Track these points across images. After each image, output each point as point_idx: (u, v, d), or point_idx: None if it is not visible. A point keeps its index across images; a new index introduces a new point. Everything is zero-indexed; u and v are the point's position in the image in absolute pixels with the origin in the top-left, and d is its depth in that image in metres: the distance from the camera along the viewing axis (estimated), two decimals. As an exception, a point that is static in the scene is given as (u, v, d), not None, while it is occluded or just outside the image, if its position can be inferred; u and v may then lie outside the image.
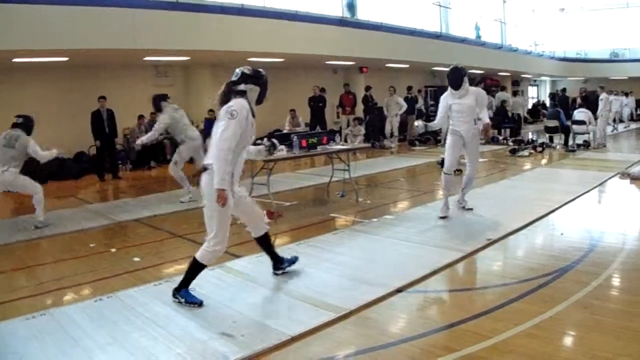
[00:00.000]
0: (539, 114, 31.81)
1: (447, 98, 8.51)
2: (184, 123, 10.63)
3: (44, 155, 8.88)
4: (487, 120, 8.70)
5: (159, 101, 10.59)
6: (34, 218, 8.83)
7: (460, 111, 8.37)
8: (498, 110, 21.53)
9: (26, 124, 8.93)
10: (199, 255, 5.28)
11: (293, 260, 6.20)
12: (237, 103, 5.17)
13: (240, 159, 5.35)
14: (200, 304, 5.22)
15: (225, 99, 5.27)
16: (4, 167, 8.56)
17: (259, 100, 5.49)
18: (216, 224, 5.21)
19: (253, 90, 5.37)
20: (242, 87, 5.32)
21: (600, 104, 19.07)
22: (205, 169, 5.18)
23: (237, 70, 5.43)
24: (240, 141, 5.12)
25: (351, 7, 20.74)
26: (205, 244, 5.29)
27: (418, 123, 8.60)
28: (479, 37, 29.57)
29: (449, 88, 8.45)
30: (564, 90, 27.56)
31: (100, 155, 14.85)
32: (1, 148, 8.65)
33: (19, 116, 9.01)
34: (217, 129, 5.10)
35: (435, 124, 8.78)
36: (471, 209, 9.01)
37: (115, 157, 15.28)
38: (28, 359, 4.29)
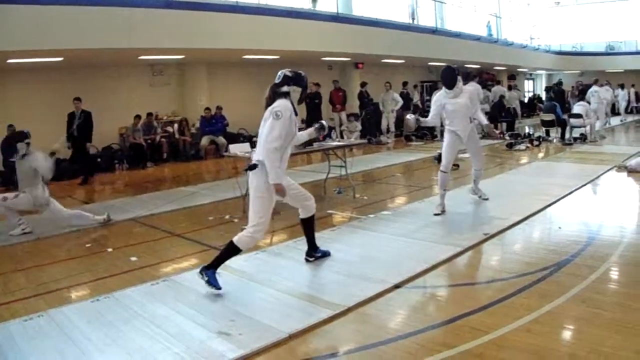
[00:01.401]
0: (535, 107, 31.83)
1: (440, 98, 8.54)
2: None
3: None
4: (486, 122, 8.76)
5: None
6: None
7: (455, 111, 8.42)
8: (495, 104, 21.50)
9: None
10: (236, 238, 5.56)
11: (326, 253, 6.48)
12: (281, 104, 5.54)
13: (286, 154, 5.69)
14: (219, 289, 5.43)
15: (270, 101, 5.66)
16: None
17: (301, 100, 5.90)
18: (261, 213, 5.55)
19: (295, 91, 5.79)
20: (285, 88, 5.71)
21: (595, 97, 19.41)
22: (255, 165, 5.54)
23: (280, 72, 5.80)
24: (285, 139, 5.51)
25: None
26: (246, 229, 5.58)
27: (409, 117, 8.57)
28: (490, 34, 29.67)
29: (443, 87, 8.50)
30: (559, 83, 27.56)
31: (72, 159, 14.63)
32: None
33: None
34: (264, 130, 5.50)
35: (427, 121, 8.76)
36: (487, 199, 9.20)
37: (87, 162, 14.53)
38: (25, 360, 4.28)
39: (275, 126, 5.38)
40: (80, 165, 14.37)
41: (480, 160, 9.13)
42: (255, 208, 5.57)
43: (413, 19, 25.25)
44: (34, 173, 8.45)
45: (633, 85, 31.38)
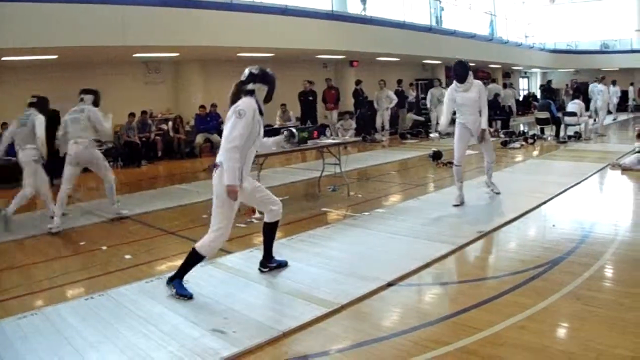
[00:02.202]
0: (530, 105, 31.87)
1: (452, 92, 8.77)
2: None
3: (41, 137, 8.79)
4: (484, 126, 8.85)
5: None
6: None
7: (465, 104, 8.68)
8: (491, 102, 21.52)
9: (41, 104, 9.08)
10: (198, 245, 5.38)
11: (283, 264, 6.19)
12: (244, 102, 5.32)
13: (249, 155, 5.47)
14: (190, 297, 5.29)
15: (234, 98, 5.43)
16: (21, 147, 8.80)
17: (268, 99, 5.62)
18: (222, 217, 5.34)
19: (261, 89, 5.51)
20: (250, 86, 5.45)
21: (601, 95, 19.94)
22: (216, 165, 5.34)
23: (246, 70, 5.58)
24: (248, 139, 5.27)
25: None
26: (207, 235, 5.39)
27: (434, 136, 8.91)
28: (491, 32, 29.77)
29: (454, 82, 8.74)
30: (549, 82, 27.72)
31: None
32: (19, 129, 8.85)
33: (33, 96, 9.15)
34: (226, 128, 5.27)
35: (443, 124, 9.11)
36: (499, 193, 9.37)
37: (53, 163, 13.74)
38: (19, 358, 4.27)
39: (237, 125, 5.16)
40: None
41: (491, 152, 9.32)
42: (216, 211, 5.37)
43: (437, 22, 25.66)
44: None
45: (632, 84, 31.48)
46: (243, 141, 5.19)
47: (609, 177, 11.18)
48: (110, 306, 5.23)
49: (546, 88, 24.45)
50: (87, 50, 13.18)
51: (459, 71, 8.67)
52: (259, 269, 6.06)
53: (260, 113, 5.45)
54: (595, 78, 23.29)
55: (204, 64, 18.49)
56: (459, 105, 8.72)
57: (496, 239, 7.20)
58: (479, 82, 8.85)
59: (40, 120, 8.77)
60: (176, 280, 5.39)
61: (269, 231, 6.06)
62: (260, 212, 7.79)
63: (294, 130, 6.51)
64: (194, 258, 5.40)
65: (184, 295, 5.29)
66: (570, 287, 5.19)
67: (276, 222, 6.01)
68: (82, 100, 9.22)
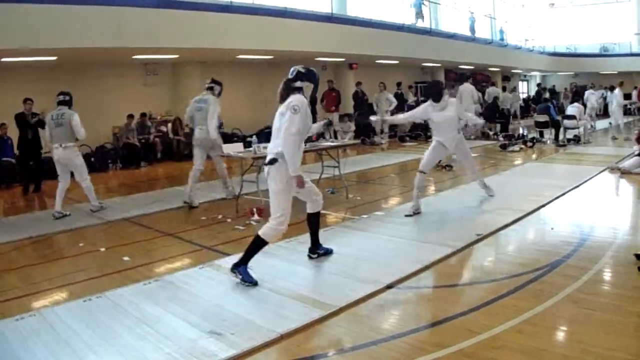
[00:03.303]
0: (529, 108, 31.89)
1: (427, 108, 8.71)
2: None
3: (83, 133, 9.40)
4: (481, 122, 9.01)
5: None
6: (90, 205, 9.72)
7: (440, 123, 8.63)
8: (489, 106, 21.55)
9: (69, 101, 9.64)
10: (262, 232, 5.71)
11: (329, 251, 6.57)
12: (296, 99, 5.65)
13: (302, 148, 5.81)
14: (255, 283, 5.61)
15: (284, 95, 5.77)
16: (60, 145, 9.23)
17: (312, 96, 6.02)
18: (282, 205, 5.72)
19: (308, 87, 5.91)
20: (298, 84, 5.83)
21: (615, 100, 20.18)
22: (275, 159, 5.66)
23: (292, 68, 5.93)
24: (302, 133, 5.65)
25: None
26: (269, 222, 5.73)
27: (373, 118, 8.95)
28: (502, 39, 29.93)
29: (430, 100, 8.67)
30: (539, 84, 27.81)
31: (24, 164, 13.03)
32: (54, 129, 9.27)
33: (61, 93, 9.60)
34: (283, 123, 5.59)
35: (398, 119, 9.01)
36: (493, 196, 9.39)
37: (41, 167, 13.00)
38: (17, 359, 4.26)
39: (294, 120, 5.49)
40: (34, 172, 12.91)
41: (473, 165, 9.34)
42: (276, 201, 5.71)
43: (474, 32, 26.01)
44: None
45: (636, 87, 31.50)
46: (300, 134, 5.58)
47: (608, 180, 11.18)
48: (108, 308, 5.22)
49: (537, 91, 24.62)
50: (86, 52, 13.18)
51: (434, 90, 8.72)
52: (308, 255, 6.48)
53: (309, 107, 5.79)
54: (592, 84, 23.34)
55: (203, 66, 18.47)
56: (436, 124, 8.68)
57: (495, 242, 7.19)
58: (454, 100, 8.83)
59: (76, 118, 9.32)
60: (242, 267, 5.66)
61: (314, 220, 6.46)
62: (260, 216, 7.90)
63: (331, 119, 6.98)
64: (259, 244, 5.71)
65: (249, 281, 5.58)
66: (569, 290, 5.19)
67: (318, 212, 6.42)
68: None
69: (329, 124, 6.98)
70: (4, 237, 8.24)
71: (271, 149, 5.75)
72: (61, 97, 9.50)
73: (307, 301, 5.17)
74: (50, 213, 9.41)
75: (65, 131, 9.18)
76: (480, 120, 9.18)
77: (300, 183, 5.68)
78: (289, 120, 5.51)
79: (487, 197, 9.33)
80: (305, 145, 9.43)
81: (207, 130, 9.73)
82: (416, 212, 8.56)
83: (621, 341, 4.14)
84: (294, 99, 5.64)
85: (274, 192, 5.72)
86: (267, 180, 5.83)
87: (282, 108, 5.70)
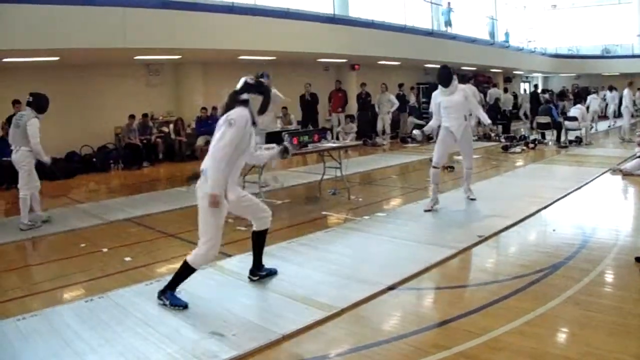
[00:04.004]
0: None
1: (437, 96, 8.85)
2: None
3: (36, 145, 8.66)
4: (489, 121, 9.21)
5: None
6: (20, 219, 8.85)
7: (449, 107, 8.69)
8: (491, 107, 21.55)
9: (36, 103, 8.85)
10: (190, 258, 5.23)
11: (273, 272, 6.07)
12: (236, 112, 5.15)
13: (237, 166, 5.33)
14: (185, 306, 5.18)
15: (228, 108, 5.27)
16: (15, 147, 8.71)
17: (262, 110, 5.47)
18: (210, 228, 5.18)
19: (256, 100, 5.36)
20: (244, 96, 5.30)
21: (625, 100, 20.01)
22: (198, 175, 5.23)
23: (241, 79, 5.45)
24: (236, 149, 5.12)
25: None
26: (197, 247, 5.24)
27: (416, 133, 9.01)
28: (507, 41, 30.01)
29: (439, 86, 8.80)
30: (535, 86, 27.79)
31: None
32: (12, 130, 8.79)
33: (30, 94, 8.94)
34: (215, 136, 5.12)
35: (431, 125, 9.04)
36: (474, 199, 9.29)
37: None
38: (19, 359, 4.27)
39: (227, 133, 5.01)
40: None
41: (470, 160, 9.34)
42: (204, 222, 5.22)
43: (493, 37, 26.23)
44: None
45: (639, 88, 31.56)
46: (231, 150, 5.05)
47: (609, 182, 11.18)
48: (110, 308, 5.23)
49: (532, 92, 24.69)
50: (89, 52, 13.19)
51: (443, 75, 8.76)
52: (249, 277, 5.93)
53: (254, 123, 5.33)
54: (593, 88, 23.32)
55: (205, 66, 18.49)
56: (444, 108, 8.77)
57: (496, 243, 7.19)
58: (464, 86, 8.98)
59: (32, 122, 8.65)
60: (168, 293, 5.27)
61: (259, 240, 5.95)
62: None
63: (287, 145, 6.31)
64: (186, 271, 5.27)
65: (178, 305, 5.18)
66: (570, 292, 5.19)
67: (265, 230, 5.91)
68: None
69: (285, 151, 6.16)
70: (5, 237, 8.24)
71: (203, 164, 5.21)
72: (28, 98, 8.90)
73: (309, 302, 5.17)
74: (51, 213, 9.37)
75: (21, 134, 8.64)
76: (488, 120, 9.22)
77: (214, 204, 4.98)
78: (221, 134, 5.05)
79: (470, 198, 9.35)
80: (307, 146, 9.55)
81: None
82: (434, 208, 8.78)
83: (622, 343, 4.14)
84: (234, 112, 5.14)
85: (201, 212, 5.21)
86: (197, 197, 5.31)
87: (220, 121, 5.20)
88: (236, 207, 5.60)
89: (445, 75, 8.71)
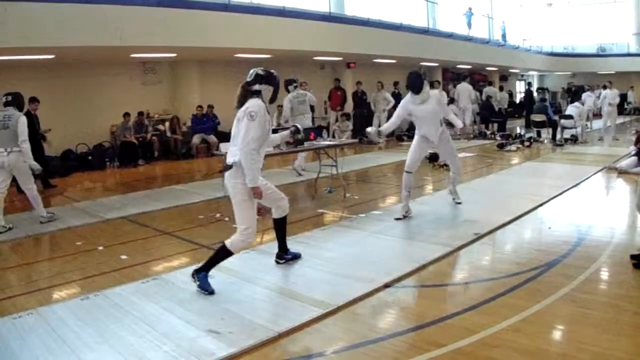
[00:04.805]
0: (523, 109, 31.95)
1: (408, 104, 8.31)
2: None
3: (26, 143, 8.63)
4: (460, 125, 8.94)
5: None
6: (38, 215, 9.04)
7: (422, 117, 8.27)
8: (484, 104, 21.57)
9: (16, 101, 8.86)
10: (229, 242, 5.51)
11: (297, 255, 6.42)
12: (254, 104, 5.43)
13: (262, 154, 5.59)
14: (211, 292, 5.40)
15: (242, 100, 5.54)
16: (6, 149, 8.56)
17: (272, 100, 5.76)
18: (246, 216, 5.50)
19: (267, 90, 5.64)
20: (256, 87, 5.57)
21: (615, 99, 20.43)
22: (231, 166, 5.44)
23: (251, 71, 5.66)
24: (260, 139, 5.39)
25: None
26: (237, 234, 5.51)
27: (371, 130, 8.40)
28: (505, 40, 30.24)
29: (409, 93, 8.30)
30: (529, 84, 27.84)
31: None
32: (0, 131, 8.57)
33: (7, 94, 8.86)
34: (240, 130, 5.38)
35: (387, 127, 8.63)
36: (460, 203, 9.05)
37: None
38: (15, 358, 4.27)
39: (251, 127, 5.29)
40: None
41: (456, 164, 8.94)
42: (240, 212, 5.52)
43: (470, 27, 27.25)
44: None
45: (632, 87, 31.66)
46: (259, 143, 5.37)
47: (605, 180, 11.21)
48: (106, 306, 5.22)
49: (526, 90, 24.82)
50: (84, 50, 13.16)
51: (413, 82, 8.22)
52: (276, 261, 6.30)
53: (267, 112, 5.54)
54: (588, 86, 23.34)
55: (201, 64, 18.49)
56: (417, 118, 8.36)
57: (492, 241, 7.21)
58: (435, 92, 8.42)
59: (22, 121, 8.67)
60: (202, 274, 5.49)
61: (280, 226, 6.30)
62: (259, 214, 7.84)
63: (298, 125, 6.72)
64: (224, 254, 5.55)
65: (205, 289, 5.41)
66: (566, 289, 5.20)
67: (285, 217, 6.26)
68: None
69: (297, 131, 6.71)
70: (1, 236, 8.24)
71: (230, 155, 5.52)
72: (4, 98, 8.80)
73: (305, 300, 5.18)
74: (49, 211, 9.35)
75: (12, 134, 8.55)
76: (460, 124, 8.90)
77: (258, 195, 5.45)
78: (245, 128, 5.31)
79: (456, 202, 9.11)
80: (303, 144, 9.55)
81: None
82: (406, 215, 8.39)
83: (618, 340, 4.15)
84: (252, 104, 5.44)
85: (236, 202, 5.52)
86: (227, 188, 5.63)
87: (239, 114, 5.49)
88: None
89: (416, 82, 8.20)
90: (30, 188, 8.95)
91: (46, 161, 13.10)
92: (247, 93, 5.55)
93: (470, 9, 27.77)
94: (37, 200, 9.02)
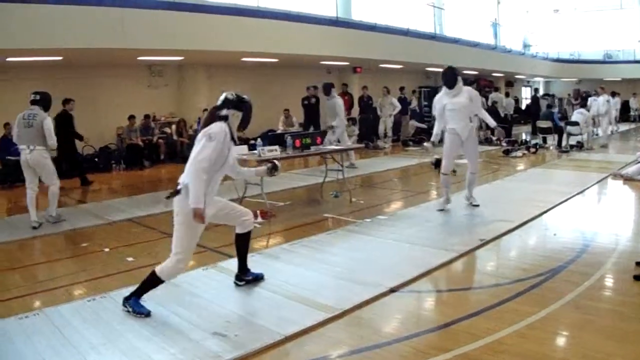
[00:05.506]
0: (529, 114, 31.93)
1: (442, 98, 8.78)
2: None
3: (54, 140, 8.86)
4: (494, 123, 9.28)
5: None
6: (47, 213, 9.05)
7: (454, 109, 8.63)
8: (489, 110, 21.55)
9: (43, 100, 8.94)
10: (159, 269, 5.19)
11: (259, 276, 6.00)
12: (215, 126, 5.15)
13: (215, 180, 5.31)
14: (147, 314, 5.10)
15: (207, 122, 5.27)
16: (28, 147, 8.65)
17: (243, 125, 5.46)
18: (183, 242, 5.20)
19: (235, 116, 5.34)
20: (224, 112, 5.28)
21: (604, 106, 19.99)
22: (178, 191, 5.14)
23: (222, 95, 5.43)
24: (214, 164, 5.11)
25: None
26: (168, 259, 5.22)
27: (427, 145, 9.22)
28: (527, 48, 30.55)
29: (443, 87, 8.75)
30: (535, 90, 27.83)
31: (71, 160, 13.88)
32: (23, 129, 8.71)
33: (35, 92, 8.98)
34: (194, 150, 5.08)
35: (436, 133, 8.98)
36: (477, 205, 9.18)
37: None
38: (21, 358, 4.29)
39: (206, 147, 5.00)
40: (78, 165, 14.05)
41: (475, 163, 9.17)
42: (178, 235, 5.21)
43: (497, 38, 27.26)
44: None
45: (634, 94, 31.57)
46: (210, 164, 5.03)
47: (610, 187, 11.20)
48: (112, 308, 5.25)
49: (532, 96, 24.97)
50: (92, 52, 13.21)
51: (447, 77, 8.69)
52: (235, 283, 5.90)
53: (232, 139, 5.30)
54: (595, 91, 23.31)
55: (208, 68, 18.52)
56: (449, 111, 8.69)
57: (498, 247, 7.21)
58: (469, 88, 8.85)
59: (48, 122, 8.77)
60: (132, 299, 5.20)
61: (242, 242, 5.91)
62: (264, 218, 7.82)
63: (276, 162, 6.20)
64: (154, 281, 5.22)
65: (141, 312, 5.10)
66: (571, 296, 5.21)
67: (249, 233, 5.88)
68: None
69: (274, 168, 6.10)
70: (8, 236, 8.28)
71: (181, 179, 5.14)
72: (33, 97, 8.93)
73: (311, 304, 5.20)
74: (58, 213, 9.38)
75: (36, 133, 8.66)
76: (493, 123, 9.15)
77: (198, 217, 4.93)
78: (200, 147, 5.01)
79: (473, 205, 9.25)
80: (310, 149, 9.57)
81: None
82: (446, 205, 9.06)
83: (622, 347, 4.16)
84: (214, 126, 5.14)
85: (177, 224, 5.21)
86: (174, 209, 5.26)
87: (199, 135, 5.18)
88: (218, 218, 5.60)
89: (451, 77, 8.64)
90: (54, 184, 9.03)
91: (79, 160, 13.98)
92: (213, 117, 5.28)
93: (495, 19, 28.25)
94: (55, 198, 9.10)
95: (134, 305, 5.16)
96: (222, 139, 5.10)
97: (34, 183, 8.86)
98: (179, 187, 5.12)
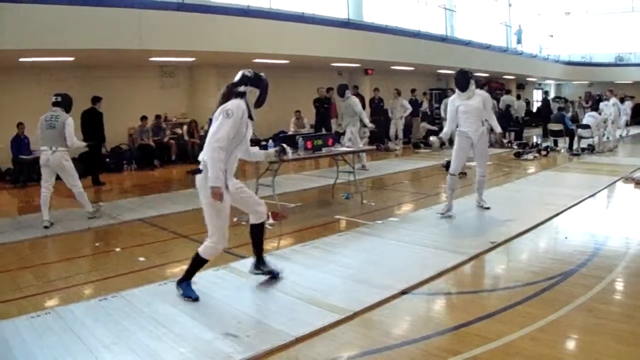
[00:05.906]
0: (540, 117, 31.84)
1: (454, 101, 8.78)
2: None
3: (75, 140, 9.00)
4: (499, 130, 9.21)
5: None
6: (86, 212, 9.35)
7: (467, 112, 8.63)
8: (502, 114, 21.52)
9: (64, 102, 9.05)
10: (201, 249, 5.43)
11: (274, 273, 6.00)
12: (233, 103, 5.22)
13: (234, 157, 5.37)
14: (195, 299, 5.35)
15: (224, 99, 5.32)
16: (50, 148, 8.74)
17: (259, 103, 5.54)
18: (214, 221, 5.33)
19: (252, 93, 5.43)
20: (242, 88, 5.37)
21: (612, 109, 19.78)
22: (200, 170, 5.24)
23: (239, 72, 5.51)
24: (233, 140, 5.18)
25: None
26: (207, 241, 5.41)
27: (433, 139, 8.95)
28: (541, 52, 30.66)
29: (456, 90, 8.75)
30: (546, 93, 27.70)
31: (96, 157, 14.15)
32: (45, 130, 8.79)
33: (57, 94, 9.11)
34: (212, 127, 5.15)
35: (446, 132, 8.92)
36: (489, 208, 9.18)
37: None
38: (33, 357, 4.31)
39: (224, 124, 5.06)
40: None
41: (484, 166, 9.18)
42: (207, 216, 5.34)
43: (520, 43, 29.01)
44: None
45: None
46: (228, 142, 5.10)
47: (622, 190, 11.16)
48: (123, 307, 5.26)
49: (543, 99, 24.83)
50: (104, 53, 13.28)
51: (460, 80, 8.70)
52: (250, 271, 6.00)
53: (250, 117, 5.37)
54: (605, 95, 23.23)
55: (219, 69, 18.53)
56: (462, 113, 8.70)
57: (509, 249, 7.19)
58: (481, 92, 8.88)
59: (69, 123, 8.85)
60: (184, 283, 5.47)
61: (257, 232, 5.95)
62: (275, 219, 7.82)
63: (285, 146, 6.27)
64: (199, 262, 5.48)
65: (190, 297, 5.37)
66: (582, 299, 5.19)
67: (263, 224, 5.94)
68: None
69: (282, 150, 6.19)
70: (20, 235, 8.33)
71: (201, 157, 5.27)
72: (54, 98, 9.03)
73: (322, 305, 5.19)
74: (67, 212, 9.43)
75: (58, 134, 8.75)
76: (499, 129, 9.15)
77: (218, 196, 5.03)
78: (217, 125, 5.09)
79: (484, 207, 9.24)
80: (321, 150, 9.58)
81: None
82: (447, 212, 8.83)
83: (633, 351, 4.14)
84: (231, 103, 5.22)
85: (205, 206, 5.29)
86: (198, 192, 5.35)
87: (216, 112, 5.24)
88: (234, 199, 5.59)
89: (463, 80, 8.64)
90: (76, 185, 9.13)
91: (100, 160, 14.20)
92: (231, 93, 5.36)
93: (520, 26, 30.13)
94: (84, 197, 9.26)
95: (185, 288, 5.45)
96: (240, 115, 5.18)
97: (50, 182, 8.92)
98: (200, 165, 5.23)
